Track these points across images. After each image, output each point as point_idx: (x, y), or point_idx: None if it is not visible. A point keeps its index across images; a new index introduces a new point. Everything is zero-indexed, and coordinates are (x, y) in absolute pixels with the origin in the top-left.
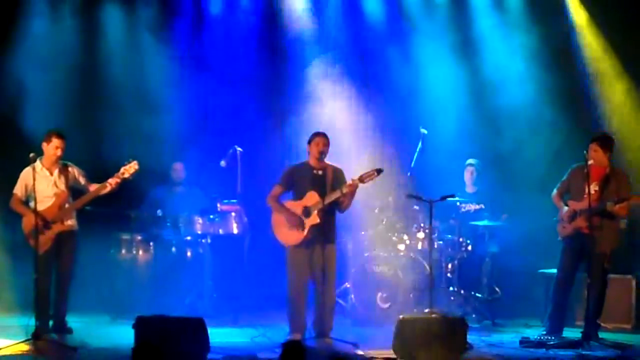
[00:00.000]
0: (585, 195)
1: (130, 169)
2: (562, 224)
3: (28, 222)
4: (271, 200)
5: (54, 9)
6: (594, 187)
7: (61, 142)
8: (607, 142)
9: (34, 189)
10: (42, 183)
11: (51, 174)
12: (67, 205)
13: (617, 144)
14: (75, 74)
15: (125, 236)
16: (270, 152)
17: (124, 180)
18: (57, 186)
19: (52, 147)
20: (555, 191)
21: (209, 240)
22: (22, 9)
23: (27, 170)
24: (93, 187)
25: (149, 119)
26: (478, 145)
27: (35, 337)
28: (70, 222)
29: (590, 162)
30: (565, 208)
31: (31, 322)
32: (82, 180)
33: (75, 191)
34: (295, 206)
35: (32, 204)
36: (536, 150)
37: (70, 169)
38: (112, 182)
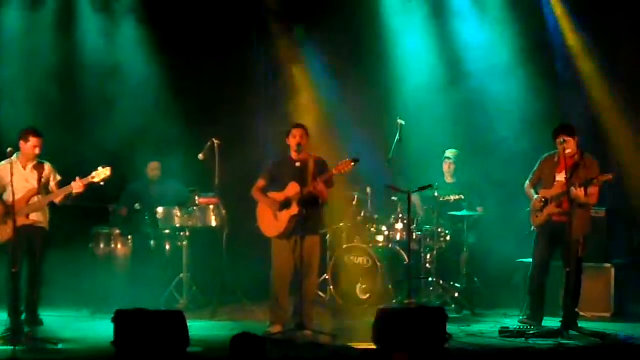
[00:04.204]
0: (555, 183)
1: (101, 174)
2: (534, 214)
3: None
4: (255, 191)
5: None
6: (563, 175)
7: (39, 140)
8: (572, 129)
9: (12, 183)
10: (15, 177)
11: (24, 168)
12: (35, 199)
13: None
14: (51, 69)
15: (104, 230)
16: (248, 144)
17: (93, 184)
18: (28, 181)
19: (30, 146)
20: (527, 182)
21: (187, 234)
22: None
23: (4, 165)
24: (57, 190)
25: (126, 114)
26: (457, 136)
27: (14, 333)
28: (36, 218)
29: (568, 150)
30: (536, 196)
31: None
32: (52, 182)
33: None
34: (278, 197)
35: (5, 197)
36: (515, 140)
37: (46, 167)
38: (79, 184)
